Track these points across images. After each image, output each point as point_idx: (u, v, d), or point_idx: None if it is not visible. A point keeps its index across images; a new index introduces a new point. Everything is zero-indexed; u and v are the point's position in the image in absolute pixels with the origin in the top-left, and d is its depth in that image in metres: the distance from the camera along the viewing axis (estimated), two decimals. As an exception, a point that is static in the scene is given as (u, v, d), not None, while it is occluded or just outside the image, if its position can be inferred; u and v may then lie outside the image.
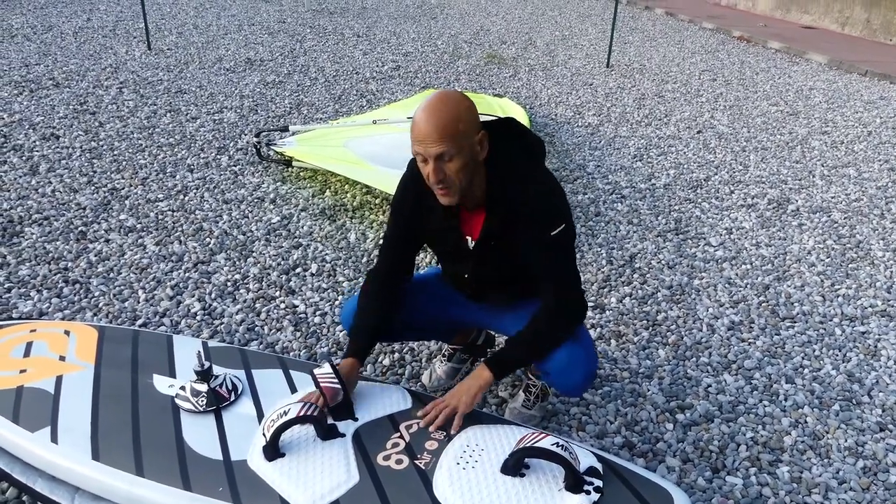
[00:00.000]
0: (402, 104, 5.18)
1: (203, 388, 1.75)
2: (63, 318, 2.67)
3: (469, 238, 1.81)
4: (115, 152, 4.42)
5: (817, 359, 2.67)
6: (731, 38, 10.64)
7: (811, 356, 2.69)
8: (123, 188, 3.90)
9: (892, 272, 3.38)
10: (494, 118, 1.79)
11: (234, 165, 4.32)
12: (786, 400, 2.43)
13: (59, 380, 1.83)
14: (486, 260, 1.83)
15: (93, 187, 3.88)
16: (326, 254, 3.29)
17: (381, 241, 2.07)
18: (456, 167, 1.60)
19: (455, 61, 7.74)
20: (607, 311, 2.92)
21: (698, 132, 5.60)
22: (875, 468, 2.14)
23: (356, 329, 1.88)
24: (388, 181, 3.59)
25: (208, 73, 6.57)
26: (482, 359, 1.90)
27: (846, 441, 2.24)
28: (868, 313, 3.01)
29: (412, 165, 1.83)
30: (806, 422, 2.32)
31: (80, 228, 3.40)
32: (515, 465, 1.52)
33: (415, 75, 6.98)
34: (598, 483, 1.52)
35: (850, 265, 3.44)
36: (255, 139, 4.45)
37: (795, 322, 2.92)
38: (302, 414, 1.58)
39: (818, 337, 2.82)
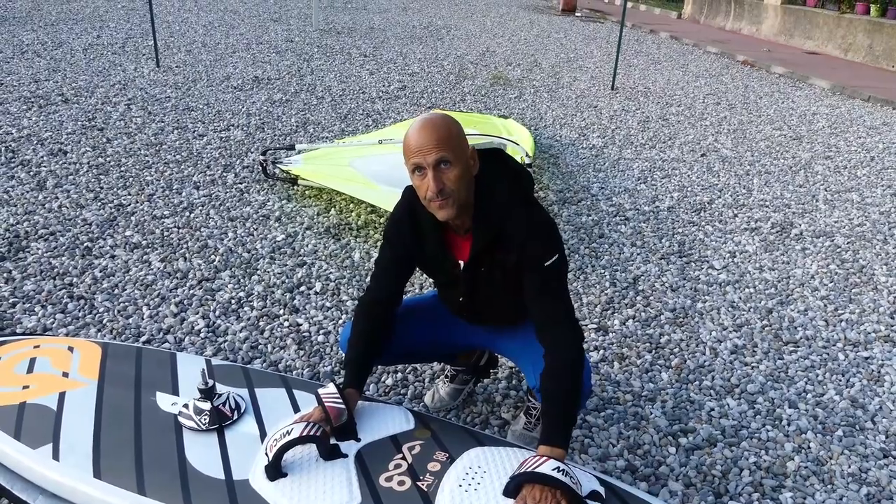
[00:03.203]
0: (407, 124, 5.21)
1: (206, 406, 1.75)
2: (67, 334, 2.67)
3: (461, 262, 1.82)
4: (122, 168, 4.46)
5: (820, 384, 2.67)
6: (735, 63, 10.71)
7: (814, 381, 2.68)
8: (129, 204, 3.92)
9: (895, 297, 3.37)
10: (484, 146, 1.81)
11: (240, 183, 4.34)
12: (789, 425, 2.41)
13: (61, 396, 1.83)
14: (478, 284, 1.84)
15: (99, 203, 3.90)
16: (331, 272, 3.29)
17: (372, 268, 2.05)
18: (454, 175, 1.62)
19: (461, 82, 7.80)
20: (610, 334, 2.92)
21: (702, 155, 5.62)
22: (879, 495, 2.12)
23: (351, 361, 1.84)
24: (393, 201, 3.57)
25: (216, 90, 6.63)
26: (536, 444, 1.62)
27: (850, 467, 2.23)
28: (871, 338, 3.00)
29: (407, 193, 1.84)
30: (809, 447, 2.31)
31: (85, 244, 3.42)
32: (517, 489, 1.51)
33: (421, 95, 7.03)
34: (601, 507, 1.52)
35: (853, 290, 3.44)
36: (261, 157, 4.48)
37: (798, 346, 2.91)
38: (305, 434, 1.58)
39: (821, 362, 2.81)
